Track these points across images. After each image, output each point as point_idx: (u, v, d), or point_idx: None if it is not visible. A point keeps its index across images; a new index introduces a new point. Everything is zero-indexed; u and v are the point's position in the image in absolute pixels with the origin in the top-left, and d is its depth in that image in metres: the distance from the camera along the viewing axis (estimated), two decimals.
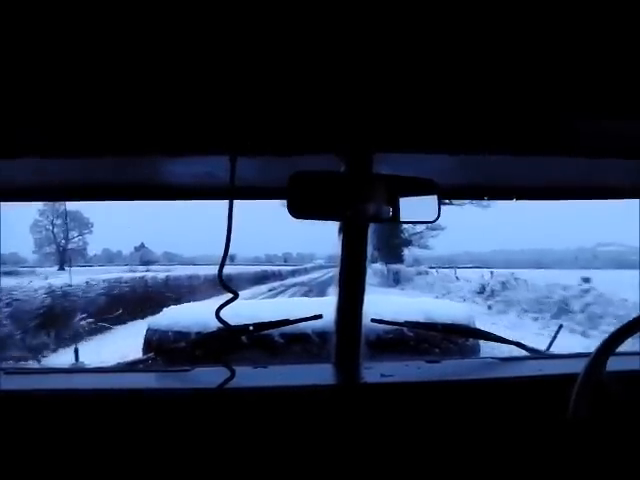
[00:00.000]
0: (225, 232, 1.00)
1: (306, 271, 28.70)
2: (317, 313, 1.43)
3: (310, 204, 0.96)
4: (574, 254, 26.89)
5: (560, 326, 1.68)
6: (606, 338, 0.95)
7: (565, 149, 1.00)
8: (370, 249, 1.17)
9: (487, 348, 2.03)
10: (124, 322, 8.23)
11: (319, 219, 1.00)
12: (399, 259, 20.93)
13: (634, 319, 0.95)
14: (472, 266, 20.29)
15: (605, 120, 0.89)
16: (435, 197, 1.03)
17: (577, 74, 0.82)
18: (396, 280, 18.26)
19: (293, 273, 25.65)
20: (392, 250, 20.77)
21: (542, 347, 1.45)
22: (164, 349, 1.84)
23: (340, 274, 1.21)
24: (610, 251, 24.41)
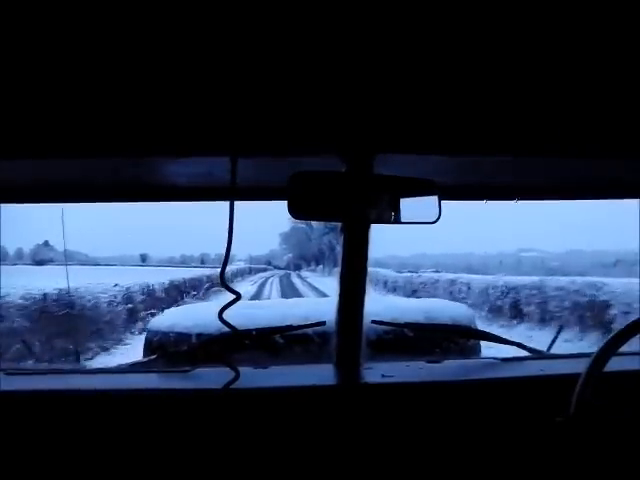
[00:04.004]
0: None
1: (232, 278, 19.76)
2: (318, 312, 1.44)
3: (310, 205, 0.96)
4: (496, 259, 25.51)
5: (560, 327, 1.68)
6: (608, 338, 0.95)
7: (565, 150, 1.01)
8: None
9: (488, 349, 2.02)
10: None
11: (319, 220, 1.01)
12: None
13: (637, 320, 0.95)
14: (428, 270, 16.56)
15: (605, 121, 0.89)
16: (436, 198, 1.03)
17: (575, 75, 0.82)
18: None
19: (214, 286, 12.72)
20: None
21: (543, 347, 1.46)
22: (165, 351, 1.83)
23: (341, 275, 1.21)
24: (532, 257, 23.65)
